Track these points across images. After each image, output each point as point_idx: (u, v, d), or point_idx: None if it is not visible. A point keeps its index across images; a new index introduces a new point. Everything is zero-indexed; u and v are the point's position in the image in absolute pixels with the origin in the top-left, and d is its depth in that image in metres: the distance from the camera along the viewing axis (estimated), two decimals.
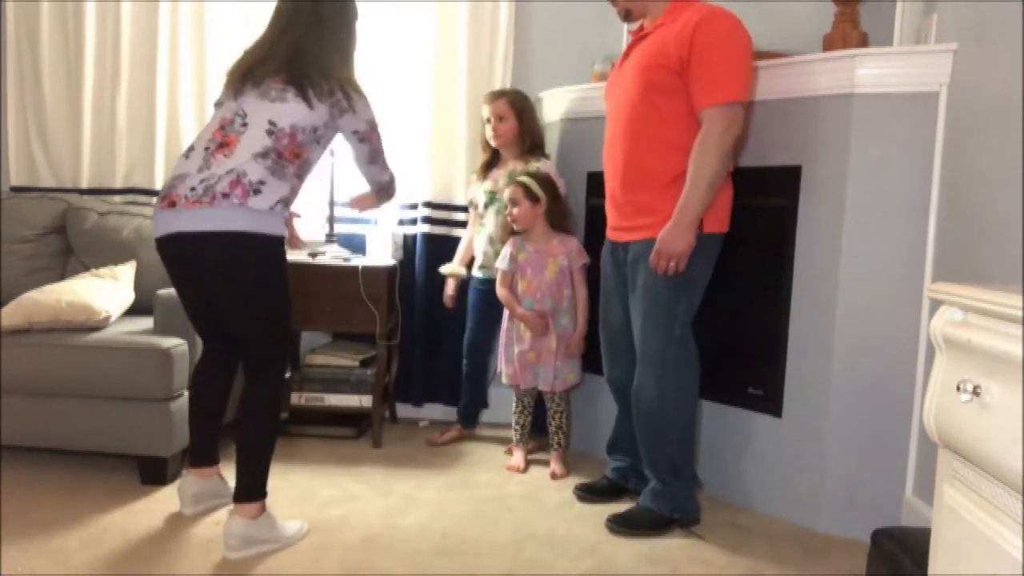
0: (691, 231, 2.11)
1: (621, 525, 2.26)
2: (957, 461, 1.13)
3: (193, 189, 1.94)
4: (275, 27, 2.11)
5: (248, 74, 2.06)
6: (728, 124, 2.08)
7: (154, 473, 2.48)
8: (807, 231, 2.33)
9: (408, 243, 3.25)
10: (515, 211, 2.73)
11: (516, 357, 2.79)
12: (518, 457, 2.83)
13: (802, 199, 2.34)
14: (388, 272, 3.02)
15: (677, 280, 2.16)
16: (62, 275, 2.98)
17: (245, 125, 2.00)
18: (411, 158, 3.22)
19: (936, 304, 1.21)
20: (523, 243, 2.78)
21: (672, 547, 2.17)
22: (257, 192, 1.95)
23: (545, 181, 2.76)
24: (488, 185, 2.95)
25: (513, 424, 2.89)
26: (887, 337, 2.24)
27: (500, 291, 2.80)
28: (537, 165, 2.86)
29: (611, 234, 2.41)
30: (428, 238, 3.22)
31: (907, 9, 2.45)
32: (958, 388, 1.06)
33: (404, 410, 3.34)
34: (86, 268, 2.94)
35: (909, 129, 2.19)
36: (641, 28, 2.30)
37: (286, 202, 2.04)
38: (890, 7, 2.48)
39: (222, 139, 2.00)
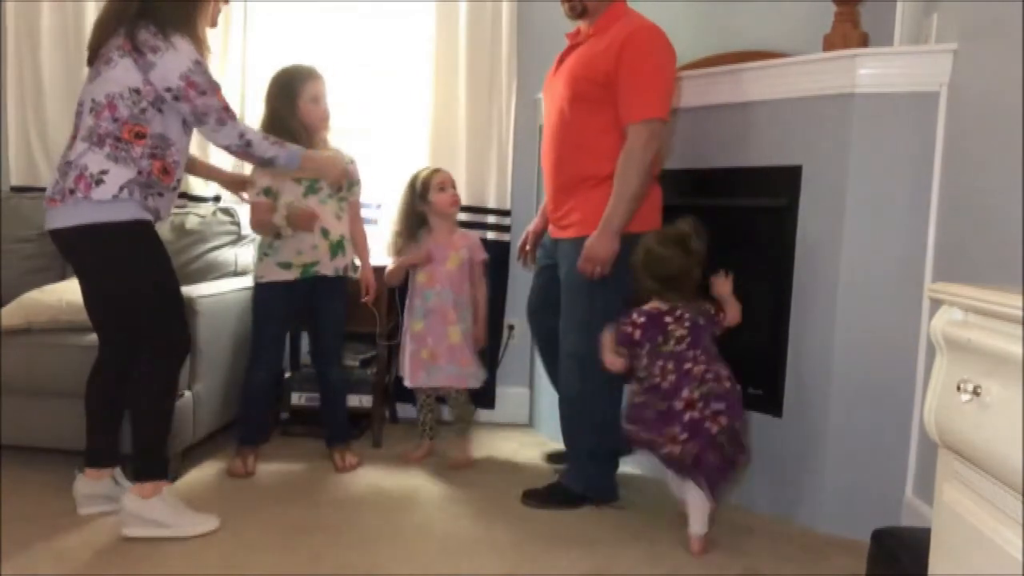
0: (615, 240, 2.25)
1: (533, 499, 2.44)
2: (957, 461, 1.13)
3: (53, 186, 2.00)
4: None
5: (92, 50, 2.03)
6: (649, 139, 2.23)
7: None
8: (807, 231, 2.33)
9: None
10: (454, 192, 2.76)
11: (410, 356, 2.79)
12: (420, 451, 2.85)
13: (802, 199, 2.34)
14: None
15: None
16: (62, 275, 2.97)
17: (80, 113, 2.00)
18: (411, 158, 3.22)
19: (936, 304, 1.21)
20: (426, 236, 2.79)
21: (672, 547, 2.17)
22: (100, 183, 1.94)
23: None
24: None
25: (421, 424, 2.90)
26: (887, 337, 2.24)
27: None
28: (337, 148, 2.72)
29: (549, 229, 2.57)
30: None
31: (907, 9, 2.45)
32: (958, 388, 1.06)
33: (404, 410, 3.34)
34: None
35: (909, 129, 2.19)
36: (578, 32, 2.43)
37: (139, 185, 1.98)
38: (890, 7, 2.48)
39: (73, 131, 2.02)
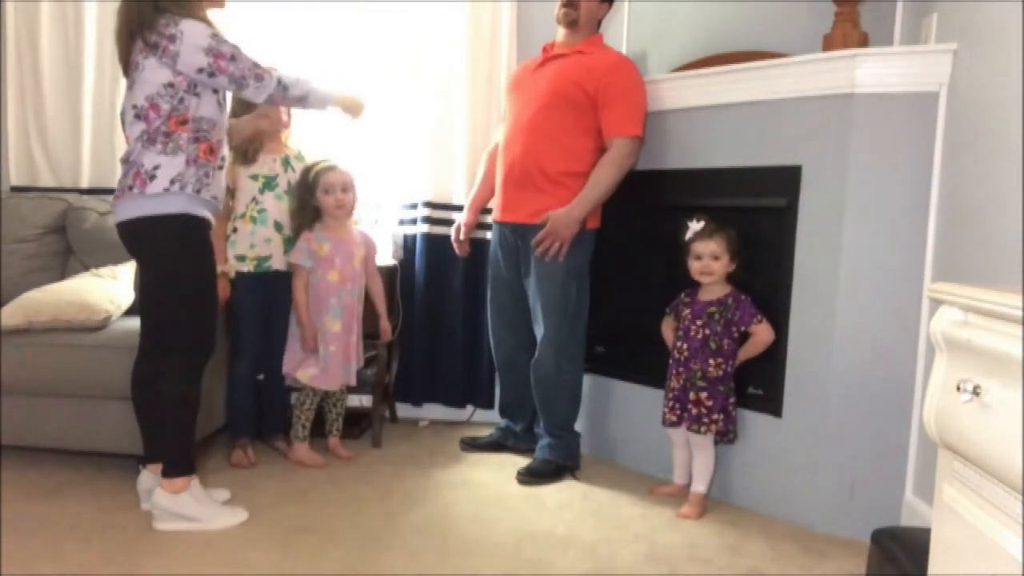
0: (578, 224, 2.53)
1: (529, 475, 2.64)
2: (957, 461, 1.13)
3: (118, 184, 2.14)
4: None
5: (124, 62, 2.12)
6: (629, 152, 2.55)
7: None
8: (807, 231, 2.33)
9: (408, 243, 3.25)
10: (348, 197, 2.70)
11: (329, 358, 2.69)
12: (302, 451, 2.75)
13: (802, 199, 2.34)
14: (388, 272, 3.02)
15: (569, 267, 2.58)
16: (62, 275, 2.98)
17: (125, 123, 2.12)
18: (411, 158, 3.22)
19: (936, 304, 1.21)
20: (323, 234, 2.69)
21: (672, 547, 2.17)
22: (152, 178, 2.06)
23: None
24: (260, 169, 2.69)
25: (305, 422, 2.76)
26: (887, 337, 2.24)
27: (300, 289, 2.67)
28: (300, 150, 2.82)
29: (503, 215, 2.71)
30: (428, 238, 3.21)
31: (907, 9, 2.45)
32: (958, 388, 1.06)
33: (404, 410, 3.34)
34: (86, 268, 2.94)
35: (909, 129, 2.19)
36: (553, 46, 2.69)
37: (191, 175, 2.07)
38: (890, 7, 2.48)
39: (126, 141, 2.14)
